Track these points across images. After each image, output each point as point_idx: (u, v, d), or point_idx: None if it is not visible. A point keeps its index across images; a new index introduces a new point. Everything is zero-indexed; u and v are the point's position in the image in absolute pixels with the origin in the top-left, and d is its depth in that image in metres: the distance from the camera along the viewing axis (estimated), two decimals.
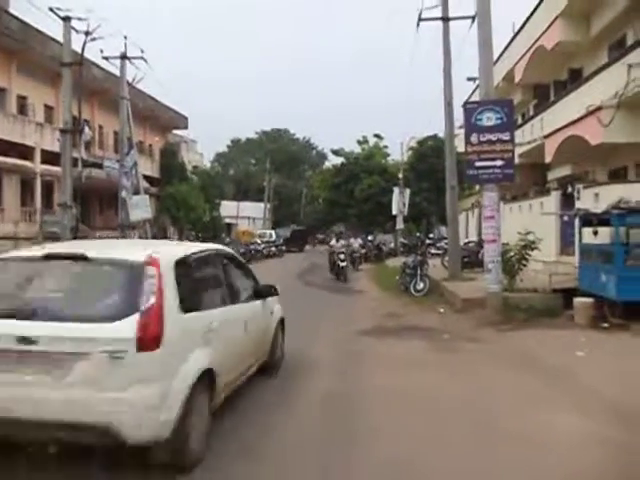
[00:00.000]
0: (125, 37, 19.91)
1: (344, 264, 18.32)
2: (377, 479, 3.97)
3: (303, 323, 10.38)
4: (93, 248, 4.45)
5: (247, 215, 54.02)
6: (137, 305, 3.67)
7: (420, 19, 16.07)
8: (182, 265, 4.27)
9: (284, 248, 37.76)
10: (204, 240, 29.95)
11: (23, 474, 3.74)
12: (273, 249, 34.10)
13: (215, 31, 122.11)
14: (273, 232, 42.54)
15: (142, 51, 20.19)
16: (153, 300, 3.70)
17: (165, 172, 34.17)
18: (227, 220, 46.94)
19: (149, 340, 3.58)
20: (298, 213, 62.17)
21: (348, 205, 38.49)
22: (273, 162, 58.34)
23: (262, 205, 54.33)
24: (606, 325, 9.15)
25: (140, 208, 19.84)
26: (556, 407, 5.36)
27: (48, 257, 4.12)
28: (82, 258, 3.98)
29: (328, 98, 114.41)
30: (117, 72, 21.04)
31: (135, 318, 3.59)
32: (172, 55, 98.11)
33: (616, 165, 14.36)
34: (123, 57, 20.39)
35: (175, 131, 40.93)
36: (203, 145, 67.00)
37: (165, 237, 30.38)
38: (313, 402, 5.60)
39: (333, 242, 20.78)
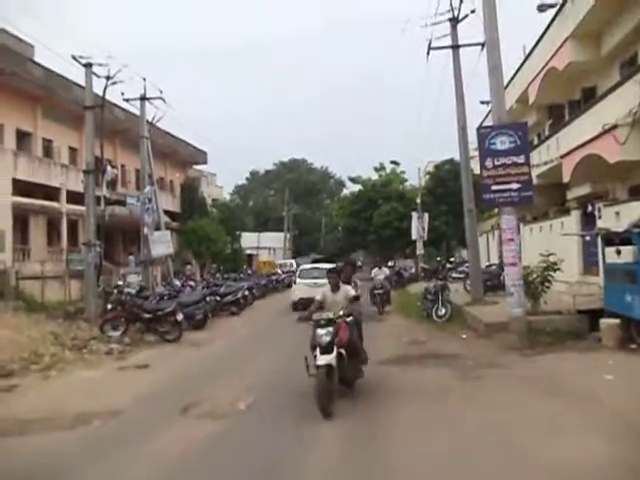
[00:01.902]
0: (144, 79, 20.60)
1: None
2: None
3: None
4: None
5: (267, 246, 54.31)
6: None
7: (430, 48, 16.31)
8: None
9: None
10: (225, 272, 30.24)
11: None
12: (294, 278, 34.14)
13: (228, 69, 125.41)
14: (294, 262, 42.63)
15: (161, 91, 20.88)
16: None
17: (186, 207, 34.74)
18: (248, 251, 47.24)
19: None
20: (318, 242, 62.34)
21: (367, 231, 38.50)
22: (292, 192, 58.87)
23: (282, 235, 54.67)
24: (634, 346, 8.94)
25: (162, 243, 20.17)
26: (584, 434, 5.25)
27: None
28: None
29: (344, 126, 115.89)
30: (137, 112, 21.73)
31: None
32: (189, 93, 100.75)
33: (636, 182, 14.18)
34: (142, 98, 21.07)
35: (195, 166, 41.75)
36: (222, 178, 68.04)
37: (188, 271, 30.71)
38: (335, 432, 5.57)
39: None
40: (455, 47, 15.89)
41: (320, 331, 6.48)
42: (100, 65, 16.70)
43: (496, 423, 5.73)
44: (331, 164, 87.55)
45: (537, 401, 6.51)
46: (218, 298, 17.73)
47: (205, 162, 41.51)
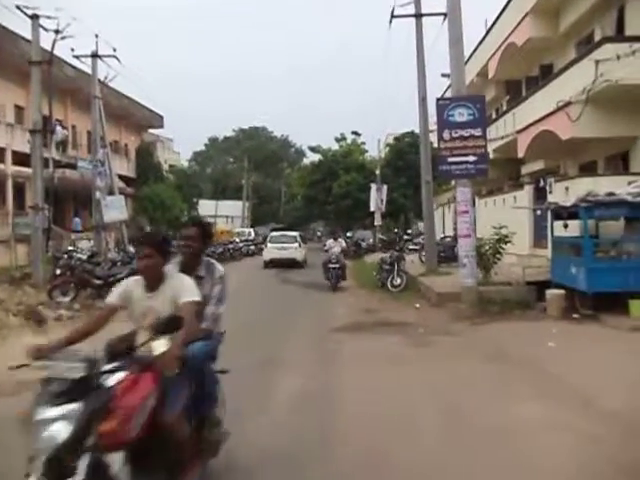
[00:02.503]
0: (96, 35, 19.65)
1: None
2: (355, 469, 4.01)
3: (280, 320, 10.44)
4: None
5: (226, 214, 53.68)
6: None
7: (393, 16, 16.15)
8: None
9: (263, 247, 37.58)
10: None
11: None
12: (252, 248, 33.93)
13: (190, 29, 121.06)
14: (252, 230, 42.34)
15: (114, 49, 19.95)
16: None
17: (141, 172, 33.76)
18: (206, 219, 46.60)
19: None
20: (277, 211, 61.98)
21: (326, 202, 38.47)
22: (251, 160, 58.05)
23: (241, 204, 54.09)
24: (577, 316, 9.36)
25: (115, 209, 19.59)
26: (527, 398, 5.48)
27: None
28: None
29: (305, 96, 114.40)
30: (89, 70, 20.73)
31: None
32: (145, 54, 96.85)
33: (586, 159, 14.65)
34: (94, 55, 20.10)
35: (151, 130, 40.46)
36: (180, 144, 66.21)
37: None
38: (289, 397, 5.63)
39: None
40: (418, 16, 15.77)
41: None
42: (48, 18, 15.78)
43: (442, 388, 5.91)
44: (292, 133, 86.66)
45: (483, 367, 6.75)
46: None
47: (161, 126, 40.26)
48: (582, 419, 4.79)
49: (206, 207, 47.75)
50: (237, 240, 34.17)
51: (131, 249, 20.10)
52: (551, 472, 3.88)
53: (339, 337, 8.66)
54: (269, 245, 23.90)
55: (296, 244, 23.61)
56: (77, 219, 25.49)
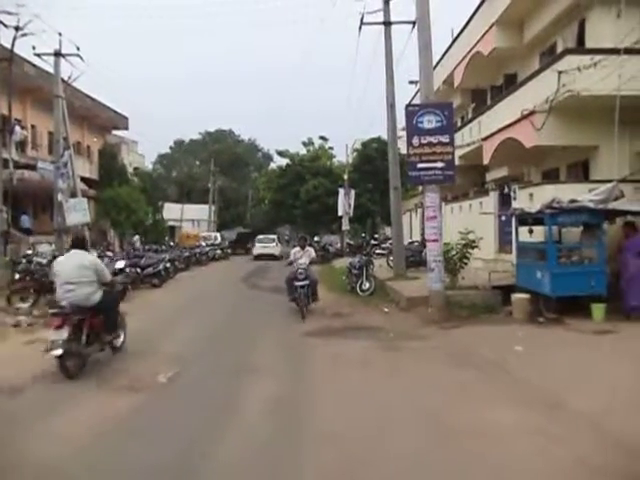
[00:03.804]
0: (60, 34, 19.10)
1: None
2: (331, 475, 4.01)
3: (249, 325, 10.33)
4: None
5: (191, 218, 52.97)
6: None
7: (362, 23, 16.27)
8: None
9: (230, 251, 37.28)
10: (147, 243, 29.19)
11: None
12: (219, 252, 33.59)
13: (157, 30, 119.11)
14: (218, 234, 41.92)
15: (78, 48, 19.43)
16: None
17: (104, 174, 32.98)
18: (171, 223, 45.87)
19: None
20: (244, 215, 61.56)
21: (294, 206, 38.47)
22: (217, 163, 57.50)
23: (207, 207, 53.47)
24: (542, 320, 9.57)
25: (77, 211, 19.03)
26: (496, 401, 5.56)
27: None
28: None
29: (273, 100, 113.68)
30: (51, 69, 20.13)
31: None
32: (110, 54, 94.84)
33: (549, 166, 15.05)
34: (57, 54, 19.52)
35: (115, 132, 39.59)
36: (145, 147, 65.23)
37: (106, 242, 29.35)
38: (261, 402, 5.56)
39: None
40: (387, 24, 15.94)
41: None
42: (9, 14, 15.28)
43: (414, 392, 5.96)
44: (259, 137, 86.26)
45: (451, 370, 6.83)
46: (139, 270, 17.10)
47: (126, 128, 39.43)
48: (551, 421, 4.89)
49: (171, 210, 47.03)
50: (203, 244, 33.77)
51: (94, 253, 19.63)
52: (521, 475, 3.93)
53: (310, 342, 8.63)
54: (257, 244, 34.49)
55: (274, 244, 34.23)
56: (25, 216, 24.59)
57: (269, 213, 47.43)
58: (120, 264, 15.16)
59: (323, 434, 4.73)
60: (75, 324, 6.68)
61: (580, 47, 13.25)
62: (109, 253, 20.12)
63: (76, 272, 6.95)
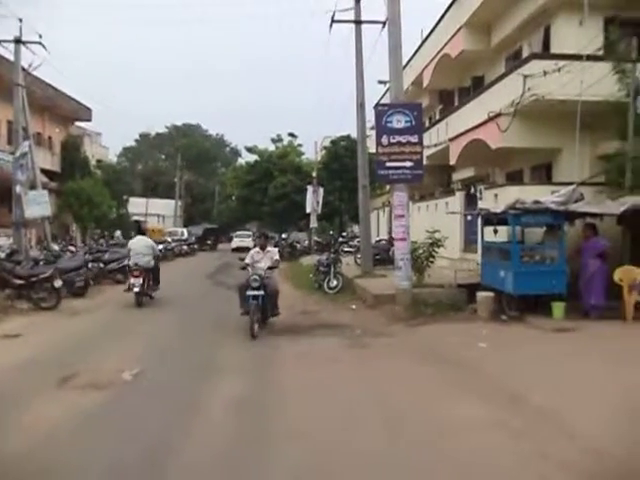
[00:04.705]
0: (20, 20, 18.44)
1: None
2: (300, 471, 3.99)
3: (216, 324, 10.22)
4: None
5: (157, 212, 52.09)
6: None
7: (333, 21, 16.28)
8: None
9: (196, 247, 36.84)
10: (111, 238, 28.55)
11: None
12: (185, 248, 33.13)
13: (121, 20, 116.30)
14: (185, 230, 41.35)
15: (40, 36, 18.79)
16: None
17: (66, 166, 32.06)
18: (135, 217, 45.03)
19: None
20: (211, 211, 60.88)
21: (262, 203, 38.25)
22: (184, 158, 56.70)
23: (173, 202, 52.64)
24: (505, 318, 9.81)
25: (38, 204, 18.39)
26: (460, 396, 5.66)
27: None
28: None
29: (242, 96, 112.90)
30: (11, 57, 19.42)
31: None
32: (74, 43, 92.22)
33: (513, 168, 15.41)
34: (17, 41, 18.83)
35: (78, 123, 38.52)
36: (109, 139, 63.70)
37: (68, 236, 28.58)
38: (228, 400, 5.52)
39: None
40: (357, 22, 16.00)
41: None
42: None
43: (380, 388, 6.03)
44: (227, 132, 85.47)
45: (419, 368, 6.93)
46: (102, 265, 16.71)
47: (89, 119, 38.39)
48: (513, 416, 5.00)
49: (136, 205, 46.14)
50: (169, 240, 33.23)
51: (55, 247, 19.10)
52: (484, 469, 4.01)
53: (277, 339, 8.59)
54: (235, 239, 39.10)
55: (249, 238, 36.33)
56: None
57: (236, 209, 47.03)
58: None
59: (291, 432, 4.72)
60: (144, 276, 12.04)
61: (545, 52, 13.60)
62: (71, 247, 19.63)
63: (143, 248, 12.54)
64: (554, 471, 3.89)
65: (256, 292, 8.77)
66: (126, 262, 17.62)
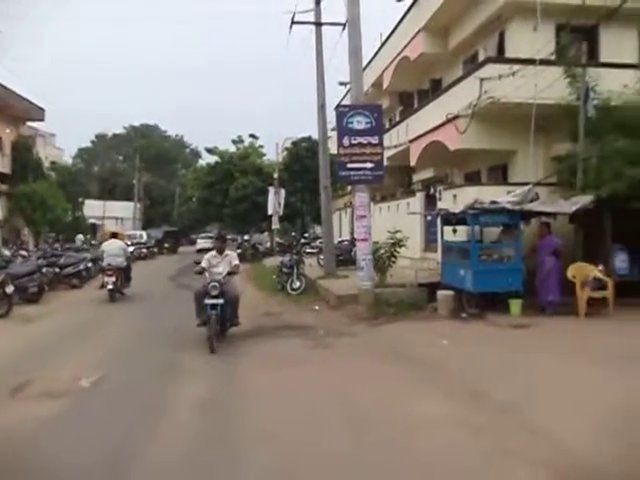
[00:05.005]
0: None
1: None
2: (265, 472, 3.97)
3: (179, 326, 10.04)
4: None
5: (115, 215, 50.81)
6: None
7: (293, 22, 16.29)
8: None
9: (156, 250, 36.16)
10: (66, 242, 27.67)
11: None
12: (144, 251, 32.47)
13: (74, 17, 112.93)
14: (144, 233, 40.47)
15: None
16: None
17: (17, 168, 30.89)
18: (92, 220, 43.81)
19: None
20: (171, 213, 59.81)
21: (223, 205, 37.80)
22: (143, 159, 55.52)
23: (132, 204, 51.47)
24: (464, 315, 10.01)
25: None
26: (423, 394, 5.74)
27: None
28: None
29: (202, 98, 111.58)
30: None
31: None
32: (29, 43, 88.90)
33: (471, 169, 15.75)
34: None
35: (30, 123, 37.19)
36: (64, 140, 61.59)
37: (19, 240, 27.53)
38: (191, 403, 5.43)
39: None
40: (318, 24, 16.05)
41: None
42: None
43: (344, 388, 6.03)
44: (187, 133, 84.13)
45: (380, 366, 6.99)
46: (57, 269, 16.19)
47: (42, 119, 37.05)
48: (475, 413, 5.10)
49: (93, 208, 44.90)
50: (128, 243, 32.44)
51: (6, 252, 18.35)
52: (447, 466, 4.07)
53: (241, 341, 8.51)
54: (199, 241, 39.50)
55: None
56: None
57: (197, 211, 46.30)
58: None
59: (256, 434, 4.68)
60: (117, 275, 13.39)
61: (500, 56, 13.96)
62: (22, 252, 18.90)
63: (116, 250, 13.87)
64: (517, 467, 3.98)
65: (215, 300, 7.99)
66: (82, 267, 17.31)
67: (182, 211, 57.89)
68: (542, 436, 4.48)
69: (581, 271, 10.13)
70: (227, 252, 8.87)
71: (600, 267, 10.22)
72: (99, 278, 19.18)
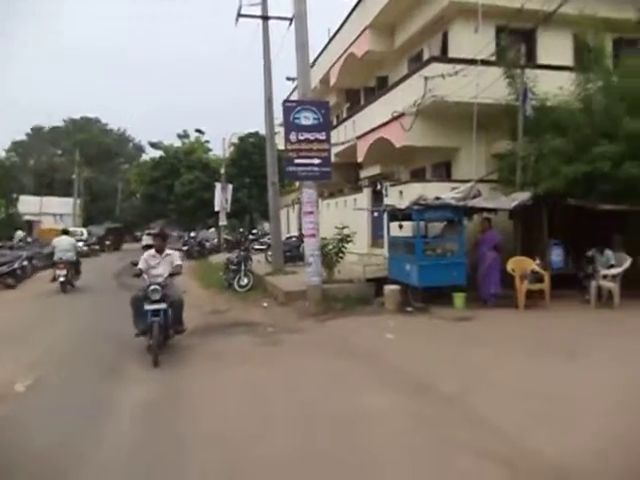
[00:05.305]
0: None
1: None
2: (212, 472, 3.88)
3: (123, 327, 9.73)
4: None
5: (53, 211, 48.63)
6: None
7: (239, 15, 16.07)
8: None
9: (98, 247, 34.91)
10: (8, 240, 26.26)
11: None
12: (85, 249, 31.24)
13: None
14: (85, 230, 38.96)
15: None
16: None
17: None
18: (28, 217, 41.77)
19: None
20: (113, 209, 57.86)
21: (168, 201, 36.98)
22: (83, 153, 53.38)
23: (71, 200, 49.39)
24: (410, 309, 10.21)
25: None
26: (370, 388, 5.80)
27: None
28: None
29: (146, 91, 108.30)
30: None
31: None
32: None
33: (417, 166, 16.06)
34: None
35: None
36: None
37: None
38: (135, 405, 5.26)
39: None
40: (264, 18, 15.89)
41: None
42: None
43: (290, 384, 6.03)
44: (130, 127, 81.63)
45: (328, 360, 7.02)
46: None
47: None
48: (421, 404, 5.21)
49: (29, 204, 42.88)
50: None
51: None
52: (394, 455, 4.14)
53: (187, 340, 8.32)
54: (145, 237, 35.09)
55: None
56: None
57: (141, 207, 45.08)
58: None
59: (204, 434, 4.59)
60: (67, 268, 14.34)
61: (444, 56, 14.27)
62: None
63: (67, 245, 14.78)
64: (462, 456, 4.08)
65: (157, 306, 7.13)
66: (17, 265, 16.51)
67: (125, 207, 56.17)
68: (485, 426, 4.62)
69: (520, 265, 10.54)
70: (168, 251, 7.99)
71: (537, 261, 10.67)
72: (37, 277, 18.45)
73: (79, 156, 51.08)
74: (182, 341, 8.21)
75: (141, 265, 7.73)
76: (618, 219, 10.84)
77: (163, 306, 7.19)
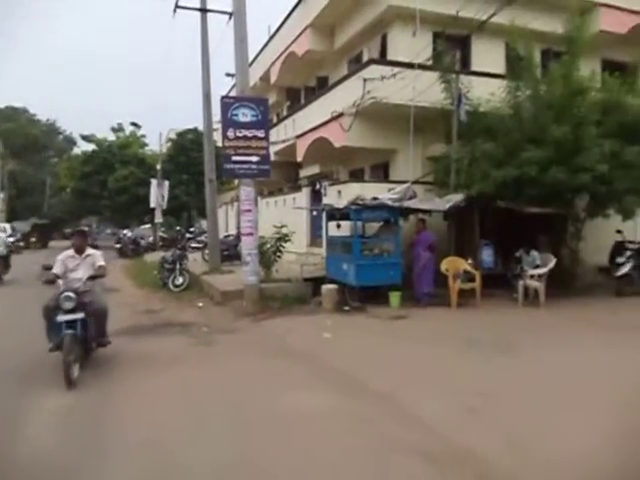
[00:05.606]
0: None
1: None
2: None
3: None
4: None
5: None
6: None
7: (177, 6, 15.65)
8: None
9: (23, 244, 33.01)
10: None
11: None
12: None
13: None
14: (8, 226, 36.73)
15: None
16: None
17: None
18: None
19: None
20: (41, 205, 54.94)
21: (101, 196, 35.53)
22: (8, 145, 50.37)
23: None
24: (347, 308, 10.28)
25: None
26: (306, 387, 5.77)
27: None
28: None
29: (79, 82, 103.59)
30: None
31: None
32: None
33: (356, 166, 16.22)
34: None
35: None
36: None
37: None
38: (54, 413, 4.96)
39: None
40: (203, 11, 15.55)
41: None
42: None
43: (225, 385, 5.89)
44: (60, 118, 77.81)
45: (264, 361, 6.93)
46: None
47: None
48: (357, 403, 5.22)
49: None
50: None
51: None
52: (332, 456, 4.12)
53: (117, 341, 7.96)
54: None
55: None
56: None
57: (71, 203, 43.02)
58: None
59: (133, 442, 4.39)
60: None
61: (382, 58, 14.49)
62: None
63: None
64: (393, 454, 4.11)
65: (72, 316, 6.11)
66: None
67: (54, 203, 53.47)
68: (416, 423, 4.69)
69: (453, 264, 10.85)
70: (89, 251, 6.90)
71: (469, 261, 11.03)
72: None
73: (3, 147, 48.20)
74: (113, 339, 7.86)
75: (57, 269, 6.58)
76: (544, 221, 11.41)
77: (80, 316, 6.15)
